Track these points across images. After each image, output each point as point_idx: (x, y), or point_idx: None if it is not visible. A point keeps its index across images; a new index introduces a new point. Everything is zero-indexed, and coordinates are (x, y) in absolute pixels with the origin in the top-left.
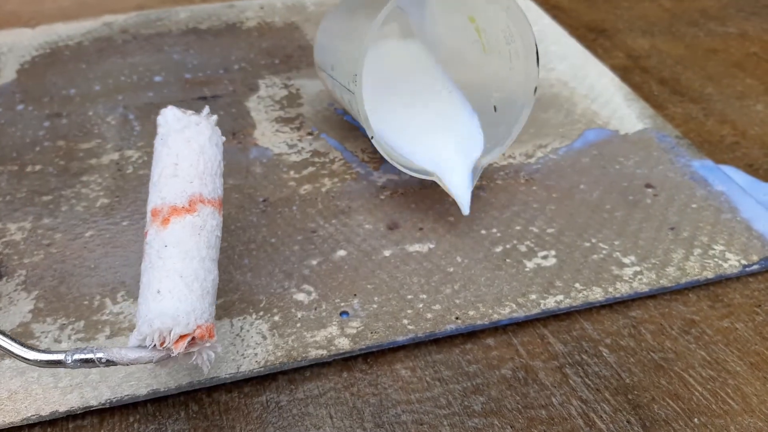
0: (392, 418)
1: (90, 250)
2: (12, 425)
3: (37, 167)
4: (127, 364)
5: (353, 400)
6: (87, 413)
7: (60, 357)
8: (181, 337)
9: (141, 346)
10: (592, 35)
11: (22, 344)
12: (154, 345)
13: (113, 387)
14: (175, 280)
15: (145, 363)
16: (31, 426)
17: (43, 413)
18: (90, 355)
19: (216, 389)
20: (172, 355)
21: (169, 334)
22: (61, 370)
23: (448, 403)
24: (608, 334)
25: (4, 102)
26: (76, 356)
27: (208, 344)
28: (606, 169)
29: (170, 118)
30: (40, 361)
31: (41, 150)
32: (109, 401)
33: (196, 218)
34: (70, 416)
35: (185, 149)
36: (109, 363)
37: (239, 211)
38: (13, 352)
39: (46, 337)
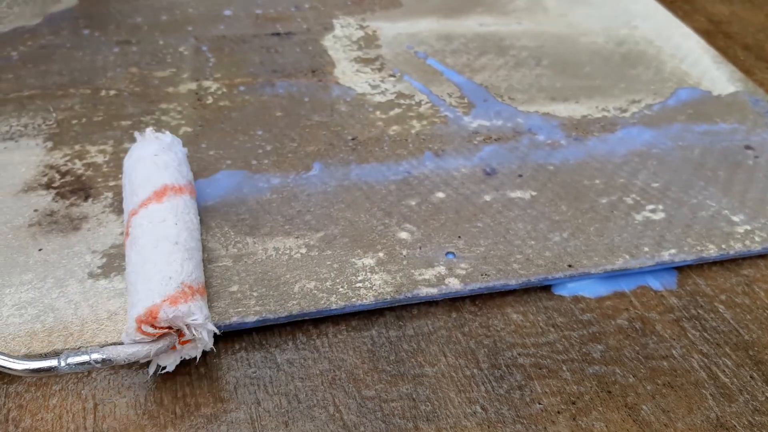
0: (509, 360)
1: None
2: (115, 344)
3: (112, 92)
4: (125, 362)
5: (466, 340)
6: None
7: (53, 363)
8: (151, 317)
9: (135, 342)
10: None
11: (7, 355)
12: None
13: (220, 312)
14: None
15: (143, 358)
16: None
17: None
18: (85, 357)
19: (322, 321)
20: (159, 344)
21: (142, 321)
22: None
23: (566, 349)
24: (722, 290)
25: (68, 26)
26: (71, 360)
27: (194, 319)
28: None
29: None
30: (28, 370)
31: (114, 75)
32: (216, 326)
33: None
34: None
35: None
36: (106, 362)
37: (329, 148)
38: None
39: None
